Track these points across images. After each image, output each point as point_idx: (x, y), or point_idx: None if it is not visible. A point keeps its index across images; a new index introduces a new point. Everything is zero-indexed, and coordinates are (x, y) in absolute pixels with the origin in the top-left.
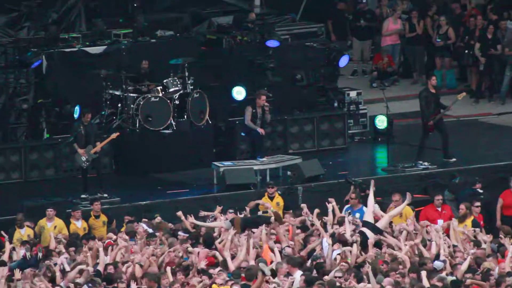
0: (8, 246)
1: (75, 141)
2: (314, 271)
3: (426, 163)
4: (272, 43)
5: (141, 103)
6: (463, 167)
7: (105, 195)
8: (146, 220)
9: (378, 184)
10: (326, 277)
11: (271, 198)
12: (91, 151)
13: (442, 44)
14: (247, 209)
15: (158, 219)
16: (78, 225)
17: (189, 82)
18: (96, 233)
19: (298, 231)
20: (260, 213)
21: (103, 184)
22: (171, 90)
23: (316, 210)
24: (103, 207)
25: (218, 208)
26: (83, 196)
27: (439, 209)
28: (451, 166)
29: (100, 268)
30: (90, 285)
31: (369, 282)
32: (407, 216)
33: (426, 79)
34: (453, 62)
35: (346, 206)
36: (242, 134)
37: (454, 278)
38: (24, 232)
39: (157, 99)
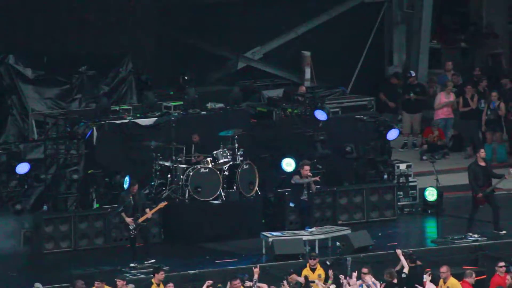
0: None
1: (123, 210)
2: None
3: (476, 235)
4: (320, 114)
5: (191, 174)
6: None
7: (152, 260)
8: None
9: (428, 256)
10: None
11: (313, 270)
12: (139, 219)
13: (493, 118)
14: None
15: None
16: None
17: (238, 153)
18: None
19: None
20: None
21: (150, 252)
22: (221, 161)
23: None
24: (150, 276)
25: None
26: (132, 265)
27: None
28: (501, 239)
29: None
30: None
31: None
32: None
33: (475, 152)
34: (504, 136)
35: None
36: (291, 204)
37: None
38: None
39: (207, 170)
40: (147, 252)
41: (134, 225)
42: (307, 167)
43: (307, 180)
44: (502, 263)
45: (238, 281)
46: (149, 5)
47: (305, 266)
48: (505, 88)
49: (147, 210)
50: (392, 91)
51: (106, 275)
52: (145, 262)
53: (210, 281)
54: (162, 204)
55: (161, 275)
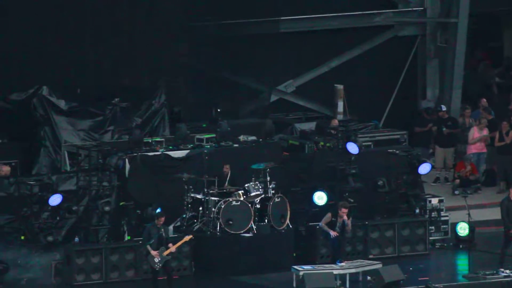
0: None
1: (149, 243)
2: None
3: (507, 271)
4: (352, 148)
5: (222, 206)
6: None
7: None
8: None
9: None
10: None
11: None
12: (163, 253)
13: None
14: None
15: None
16: None
17: (270, 186)
18: None
19: None
20: None
21: (172, 286)
22: (253, 194)
23: None
24: None
25: None
26: None
27: None
28: None
29: None
30: None
31: None
32: None
33: (507, 187)
34: None
35: None
36: (321, 237)
37: None
38: None
39: (239, 203)
40: (170, 286)
41: (159, 258)
42: (345, 210)
43: (330, 231)
44: None
45: None
46: (182, 37)
47: None
48: None
49: (170, 245)
50: (425, 126)
51: None
52: None
53: None
54: (187, 238)
55: None
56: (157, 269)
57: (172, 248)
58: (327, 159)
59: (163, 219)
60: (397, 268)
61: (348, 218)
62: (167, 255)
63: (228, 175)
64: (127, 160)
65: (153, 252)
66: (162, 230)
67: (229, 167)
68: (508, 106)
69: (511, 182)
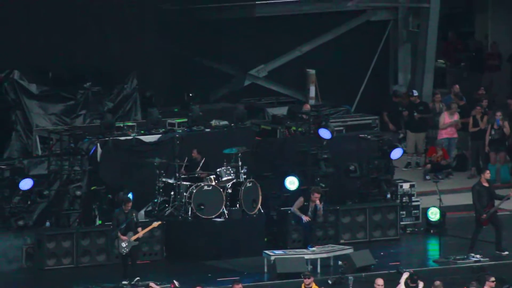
0: None
1: (120, 228)
2: None
3: (478, 256)
4: (324, 133)
5: (194, 191)
6: None
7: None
8: None
9: (430, 275)
10: None
11: None
12: (131, 238)
13: (497, 138)
14: None
15: None
16: None
17: (242, 171)
18: None
19: None
20: None
21: (136, 271)
22: (224, 179)
23: None
24: None
25: None
26: (124, 282)
27: None
28: (503, 259)
29: None
30: None
31: None
32: None
33: (478, 172)
34: (508, 156)
35: None
36: (292, 222)
37: None
38: None
39: (210, 188)
40: (133, 271)
41: (127, 243)
42: (317, 195)
43: (302, 216)
44: (493, 278)
45: (240, 285)
46: (154, 22)
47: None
48: (509, 109)
49: (139, 229)
50: (395, 110)
51: None
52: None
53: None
54: (155, 224)
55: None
56: (123, 253)
57: (140, 233)
58: (299, 144)
59: (130, 204)
60: (368, 253)
61: (320, 203)
62: (135, 240)
63: (201, 160)
64: (98, 144)
65: (122, 237)
66: (133, 214)
67: (196, 152)
68: (477, 91)
69: (483, 167)
